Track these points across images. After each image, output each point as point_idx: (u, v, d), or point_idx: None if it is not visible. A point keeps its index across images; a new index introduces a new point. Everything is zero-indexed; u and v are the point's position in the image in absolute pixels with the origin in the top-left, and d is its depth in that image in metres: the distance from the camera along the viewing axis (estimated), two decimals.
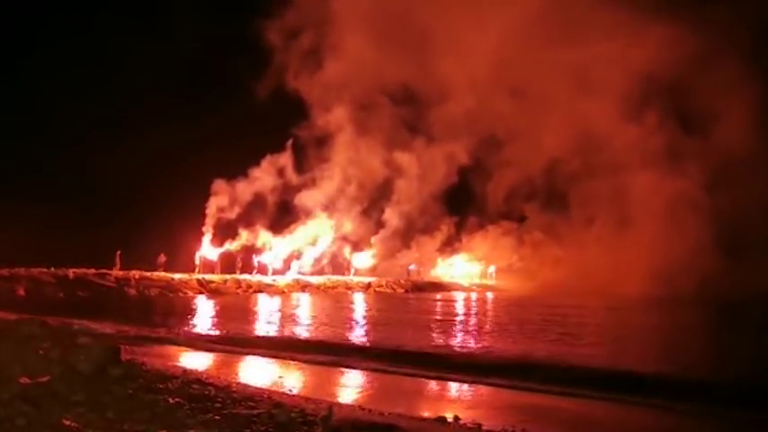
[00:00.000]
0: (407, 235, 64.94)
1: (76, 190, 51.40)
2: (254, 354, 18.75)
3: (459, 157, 64.92)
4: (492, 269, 68.78)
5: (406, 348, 19.31)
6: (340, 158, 61.50)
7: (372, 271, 61.53)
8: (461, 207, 68.11)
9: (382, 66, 61.79)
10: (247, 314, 32.15)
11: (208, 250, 51.24)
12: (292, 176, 59.60)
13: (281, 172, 58.93)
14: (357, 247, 61.88)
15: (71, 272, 38.80)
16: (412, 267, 63.73)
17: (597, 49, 64.35)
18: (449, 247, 68.23)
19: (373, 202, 63.29)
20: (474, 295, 56.56)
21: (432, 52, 62.47)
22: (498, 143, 66.06)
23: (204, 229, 53.06)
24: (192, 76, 59.52)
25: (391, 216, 63.43)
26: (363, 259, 60.66)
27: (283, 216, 59.26)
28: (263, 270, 52.04)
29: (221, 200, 54.96)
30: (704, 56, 61.96)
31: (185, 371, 14.11)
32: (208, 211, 54.10)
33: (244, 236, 54.80)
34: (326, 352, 18.60)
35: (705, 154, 64.35)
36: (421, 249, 66.07)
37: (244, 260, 50.93)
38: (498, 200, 67.59)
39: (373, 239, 62.69)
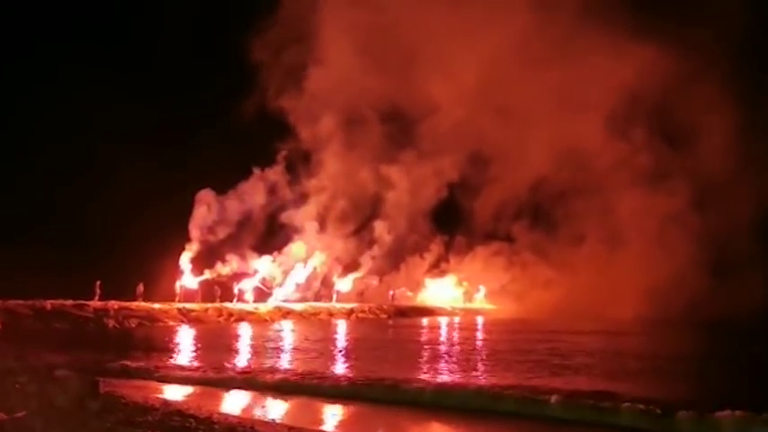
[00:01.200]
0: (397, 256, 65.51)
1: (53, 219, 51.26)
2: (236, 385, 18.65)
3: (446, 175, 65.89)
4: (481, 292, 68.69)
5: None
6: (327, 176, 62.06)
7: (360, 295, 61.64)
8: (449, 226, 68.98)
9: (368, 83, 62.61)
10: (228, 344, 31.95)
11: (188, 279, 50.96)
12: (282, 192, 60.38)
13: (267, 189, 59.41)
14: (346, 268, 62.08)
15: (48, 303, 38.35)
16: (397, 291, 63.66)
17: (583, 67, 65.39)
18: (436, 268, 68.46)
19: (361, 221, 63.90)
20: (459, 320, 56.58)
21: (418, 70, 63.48)
22: (485, 162, 66.92)
23: (185, 254, 52.97)
24: (175, 96, 59.97)
25: (380, 235, 64.01)
26: (347, 284, 60.39)
27: (269, 236, 59.60)
28: (243, 298, 51.82)
29: (204, 220, 54.97)
30: (687, 75, 63.31)
31: (165, 403, 14.08)
32: (191, 234, 54.13)
33: (225, 265, 54.56)
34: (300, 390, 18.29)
35: (691, 172, 65.50)
36: (409, 270, 66.29)
37: (223, 288, 50.68)
38: (486, 220, 68.24)
39: (362, 262, 63.00)
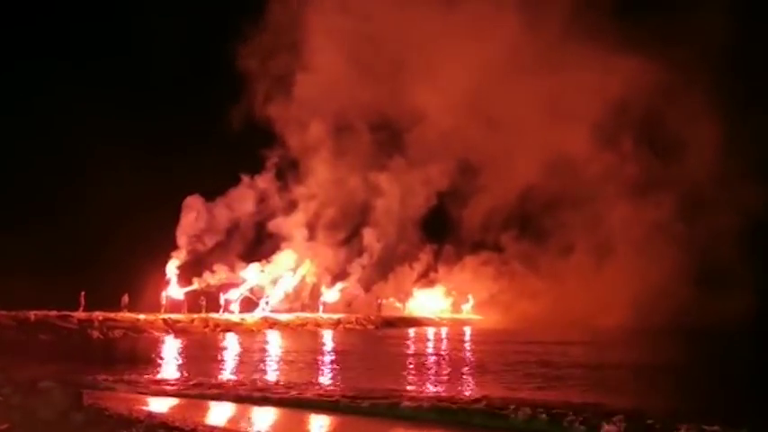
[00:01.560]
0: (386, 265, 65.76)
1: (36, 228, 51.03)
2: (221, 397, 18.65)
3: (435, 184, 66.46)
4: (469, 303, 68.84)
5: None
6: (315, 183, 62.34)
7: (348, 306, 61.67)
8: (439, 235, 69.39)
9: (356, 91, 63.14)
10: (213, 355, 31.91)
11: (174, 289, 50.83)
12: (271, 200, 60.69)
13: (256, 197, 59.78)
14: (335, 278, 62.27)
15: (32, 314, 38.18)
16: (385, 301, 63.76)
17: (570, 78, 66.05)
18: (425, 278, 68.68)
19: (350, 230, 64.21)
20: (447, 330, 56.70)
21: (406, 78, 63.94)
22: (474, 171, 67.43)
23: (172, 262, 52.92)
24: (161, 104, 60.17)
25: (369, 243, 64.32)
26: (334, 294, 60.37)
27: (257, 245, 59.83)
28: (230, 308, 51.76)
29: (192, 227, 54.96)
30: (673, 87, 64.19)
31: (150, 415, 14.08)
32: (178, 241, 54.15)
33: (213, 274, 54.48)
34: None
35: (677, 183, 66.23)
36: (398, 280, 66.46)
37: (209, 299, 50.59)
38: (475, 229, 68.58)
39: (351, 271, 63.17)
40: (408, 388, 20.40)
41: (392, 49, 64.04)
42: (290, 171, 62.16)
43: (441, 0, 64.80)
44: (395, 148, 65.21)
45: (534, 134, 68.52)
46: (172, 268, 52.57)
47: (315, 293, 60.05)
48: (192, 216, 55.30)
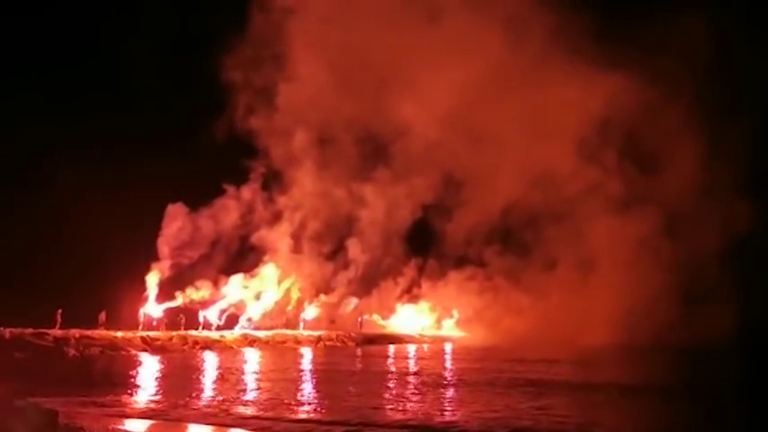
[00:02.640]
0: (370, 280, 66.22)
1: (10, 243, 51.00)
2: (196, 419, 18.89)
3: (419, 197, 67.08)
4: (452, 319, 69.17)
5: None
6: (299, 195, 62.93)
7: (332, 323, 62.01)
8: (423, 249, 69.73)
9: (340, 103, 63.82)
10: (191, 374, 32.05)
11: (152, 306, 50.89)
12: (254, 211, 61.07)
13: (239, 208, 60.07)
14: (318, 292, 62.62)
15: (7, 332, 38.26)
16: (366, 318, 64.06)
17: (554, 94, 66.77)
18: (409, 293, 69.06)
19: (335, 243, 64.85)
20: (428, 347, 57.09)
21: (389, 91, 64.58)
22: (458, 186, 68.07)
23: (153, 274, 53.11)
24: (142, 116, 60.87)
25: (354, 257, 64.96)
26: (313, 311, 60.54)
27: (240, 257, 60.16)
28: (208, 325, 51.91)
29: (175, 237, 55.23)
30: (655, 103, 65.24)
31: None
32: (160, 252, 54.33)
33: (196, 289, 54.62)
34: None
35: (662, 199, 66.95)
36: (382, 296, 66.86)
37: (188, 315, 50.73)
38: (459, 244, 68.94)
39: (334, 286, 63.72)
40: (379, 411, 20.63)
41: (376, 62, 64.70)
42: (273, 183, 62.87)
43: (424, 16, 65.51)
44: (379, 161, 66.10)
45: (518, 149, 69.08)
46: (153, 280, 52.65)
47: (299, 308, 60.27)
48: (175, 225, 55.51)
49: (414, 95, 65.07)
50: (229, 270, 58.05)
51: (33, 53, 60.30)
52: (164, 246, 54.61)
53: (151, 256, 53.87)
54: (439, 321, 69.41)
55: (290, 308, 60.04)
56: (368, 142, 64.97)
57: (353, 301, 64.68)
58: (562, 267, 68.62)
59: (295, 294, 60.76)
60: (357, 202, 65.61)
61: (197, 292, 54.42)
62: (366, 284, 66.03)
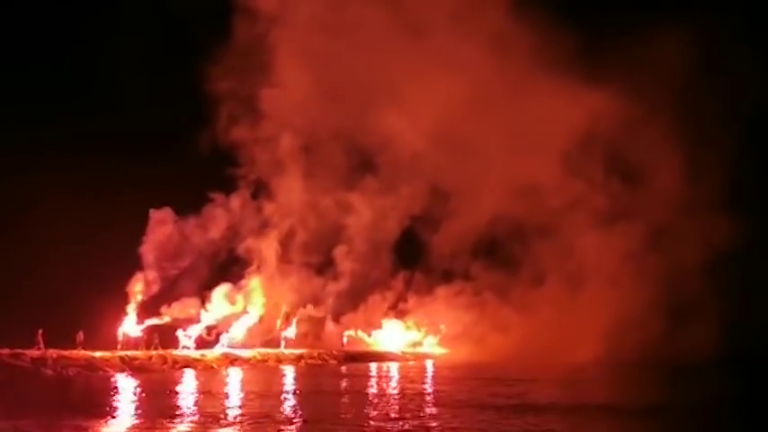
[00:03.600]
0: (357, 295, 66.56)
1: None
2: None
3: (406, 209, 67.48)
4: (436, 336, 69.37)
5: None
6: (285, 205, 63.32)
7: (317, 339, 62.19)
8: (409, 262, 70.15)
9: (326, 113, 64.59)
10: (168, 396, 31.92)
11: (131, 325, 50.70)
12: (240, 221, 61.33)
13: (224, 218, 60.32)
14: (309, 302, 62.89)
15: None
16: (351, 335, 64.19)
17: (539, 108, 67.51)
18: (394, 309, 69.26)
19: (321, 256, 65.17)
20: (412, 365, 57.27)
21: (375, 104, 64.96)
22: (444, 200, 68.57)
23: (136, 283, 53.19)
24: (126, 128, 61.01)
25: (341, 269, 65.32)
26: (293, 330, 60.42)
27: (224, 269, 60.39)
28: (189, 344, 51.84)
29: (161, 243, 55.18)
30: (638, 118, 66.18)
31: None
32: (144, 259, 54.46)
33: (180, 306, 54.55)
34: None
35: (646, 214, 67.80)
36: (368, 311, 67.21)
37: (168, 334, 50.68)
38: (445, 259, 69.29)
39: (321, 301, 63.87)
40: None
41: (362, 73, 65.29)
42: (260, 192, 63.33)
43: (410, 30, 66.07)
44: (366, 171, 66.91)
45: (503, 163, 69.67)
46: (134, 297, 52.56)
47: (287, 323, 60.44)
48: (162, 231, 55.70)
49: (399, 107, 65.67)
50: (215, 281, 58.39)
51: (13, 61, 60.48)
52: (148, 253, 54.78)
53: (132, 272, 53.80)
54: (425, 337, 69.51)
55: (278, 323, 59.91)
56: (354, 153, 65.85)
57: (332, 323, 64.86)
58: (550, 282, 69.18)
59: (283, 309, 60.72)
60: (344, 212, 66.31)
61: (180, 308, 54.32)
62: (353, 298, 66.49)
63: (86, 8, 62.42)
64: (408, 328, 69.10)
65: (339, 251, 65.63)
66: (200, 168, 60.23)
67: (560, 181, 68.91)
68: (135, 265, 54.19)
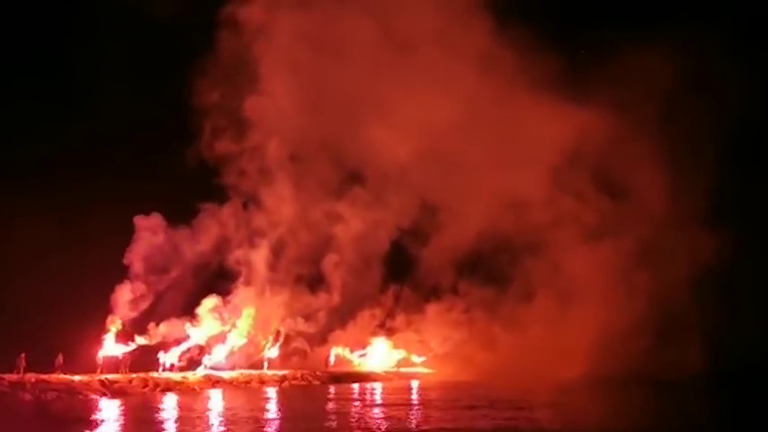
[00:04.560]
0: (346, 311, 66.48)
1: None
2: None
3: (392, 225, 67.89)
4: (423, 356, 69.31)
5: None
6: (274, 218, 63.42)
7: (304, 358, 62.54)
8: (398, 276, 70.12)
9: (313, 126, 64.94)
10: (148, 421, 32.08)
11: (111, 347, 50.77)
12: (227, 234, 61.43)
13: (212, 231, 60.45)
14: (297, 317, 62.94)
15: None
16: (339, 350, 64.54)
17: (528, 124, 68.22)
18: (382, 327, 69.16)
19: (310, 267, 65.10)
20: (397, 384, 57.46)
21: (362, 119, 65.42)
22: (432, 214, 69.00)
23: (122, 290, 53.38)
24: (112, 143, 61.27)
25: (330, 284, 65.44)
26: (274, 352, 60.47)
27: (210, 283, 60.17)
28: (170, 366, 51.90)
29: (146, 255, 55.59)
30: (626, 135, 67.05)
31: None
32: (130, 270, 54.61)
33: (167, 326, 54.72)
34: None
35: (633, 229, 68.52)
36: (357, 326, 67.21)
37: (149, 355, 50.78)
38: (434, 276, 69.56)
39: (309, 318, 63.96)
40: None
41: (348, 87, 65.73)
42: (247, 203, 63.42)
43: (397, 44, 66.56)
44: (354, 185, 67.21)
45: (491, 179, 70.05)
46: (124, 295, 52.91)
47: (276, 340, 60.69)
48: (150, 239, 56.00)
49: (386, 121, 65.83)
50: (203, 294, 58.31)
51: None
52: (135, 262, 55.08)
53: (114, 290, 53.86)
54: (415, 355, 69.46)
55: (268, 343, 60.13)
56: (341, 165, 66.22)
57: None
58: (538, 299, 69.36)
59: (273, 326, 60.97)
60: (332, 225, 66.51)
61: (168, 329, 54.51)
62: (342, 315, 66.40)
63: (69, 22, 62.98)
64: (396, 347, 69.22)
65: (328, 262, 65.75)
66: (186, 180, 60.52)
67: (548, 196, 69.56)
68: (119, 281, 54.24)
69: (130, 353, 50.71)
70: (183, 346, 54.58)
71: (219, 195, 61.67)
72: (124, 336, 52.01)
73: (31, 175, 56.40)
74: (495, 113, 68.17)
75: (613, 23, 64.78)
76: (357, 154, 65.73)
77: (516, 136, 68.72)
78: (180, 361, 53.28)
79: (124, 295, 53.50)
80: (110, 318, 52.35)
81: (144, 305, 54.67)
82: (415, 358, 69.19)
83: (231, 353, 57.73)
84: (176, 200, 59.66)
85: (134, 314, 53.74)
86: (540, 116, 67.31)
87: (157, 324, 54.14)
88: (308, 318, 63.78)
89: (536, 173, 68.88)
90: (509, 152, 68.95)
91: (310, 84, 64.95)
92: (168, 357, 52.38)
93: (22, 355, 42.67)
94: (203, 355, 55.66)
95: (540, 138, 68.60)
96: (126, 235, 55.84)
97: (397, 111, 66.48)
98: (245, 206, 62.95)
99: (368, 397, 47.15)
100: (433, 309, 69.70)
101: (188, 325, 55.79)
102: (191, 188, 61.04)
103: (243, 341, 58.62)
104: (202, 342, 56.10)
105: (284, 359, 61.08)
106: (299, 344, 62.96)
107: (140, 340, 52.75)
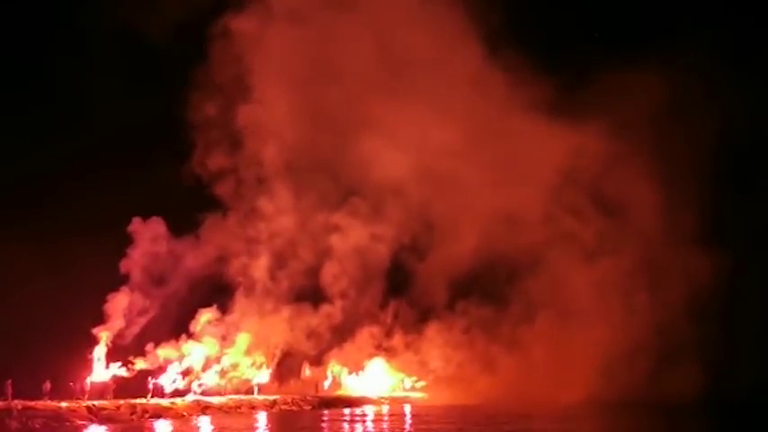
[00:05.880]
0: (345, 330, 67.09)
1: None
2: None
3: (387, 243, 68.56)
4: (420, 380, 69.77)
5: None
6: (270, 231, 64.20)
7: (298, 379, 63.13)
8: (396, 293, 70.76)
9: (311, 142, 65.83)
10: None
11: (99, 374, 51.03)
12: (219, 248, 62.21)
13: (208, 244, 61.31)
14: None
15: None
16: (333, 370, 64.74)
17: (525, 143, 68.98)
18: (380, 348, 69.59)
19: (303, 289, 65.63)
20: (391, 410, 57.60)
21: (357, 135, 66.31)
22: (430, 233, 69.75)
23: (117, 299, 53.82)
24: (101, 160, 61.70)
25: (331, 300, 66.02)
26: (265, 376, 60.78)
27: (207, 295, 60.78)
28: (159, 392, 52.05)
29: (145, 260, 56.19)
30: (623, 154, 67.67)
31: None
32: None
33: (159, 350, 55.08)
34: None
35: (631, 249, 69.09)
36: (356, 345, 67.73)
37: (137, 382, 51.06)
38: (432, 294, 70.17)
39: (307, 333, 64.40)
40: None
41: (345, 105, 66.52)
42: (245, 216, 64.13)
43: (394, 64, 67.49)
44: (352, 196, 68.01)
45: (489, 199, 70.62)
46: (119, 303, 53.31)
47: (271, 362, 61.04)
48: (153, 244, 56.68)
49: (384, 139, 66.86)
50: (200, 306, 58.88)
51: None
52: (134, 267, 55.75)
53: (99, 319, 54.07)
54: (415, 378, 69.97)
55: (263, 365, 60.47)
56: (337, 182, 67.21)
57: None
58: (538, 319, 69.73)
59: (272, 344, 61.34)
60: (331, 237, 67.22)
61: (162, 352, 54.90)
62: (341, 333, 66.99)
63: (62, 37, 63.74)
64: (395, 369, 69.48)
65: (326, 273, 66.30)
66: (182, 194, 61.42)
67: (545, 216, 70.21)
68: (101, 310, 54.24)
69: (117, 379, 51.04)
70: (178, 368, 54.94)
71: (216, 207, 62.75)
72: (114, 352, 52.37)
73: (16, 198, 56.87)
74: (492, 133, 69.07)
75: (607, 45, 66.19)
76: (353, 170, 66.56)
77: (513, 155, 69.57)
78: (173, 383, 53.70)
79: (120, 303, 54.08)
80: (99, 328, 52.69)
81: (140, 317, 55.40)
82: (413, 383, 69.48)
83: (225, 375, 58.15)
84: (175, 212, 60.32)
85: (127, 326, 54.20)
86: (537, 136, 68.14)
87: (156, 345, 54.75)
88: (309, 335, 64.33)
89: (534, 192, 69.62)
90: (506, 171, 69.71)
91: (307, 99, 65.89)
92: (162, 381, 52.74)
93: (9, 381, 42.99)
94: (193, 380, 55.95)
95: (537, 157, 69.48)
96: (116, 255, 56.54)
97: (393, 128, 67.35)
98: (243, 217, 63.87)
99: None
100: (431, 328, 70.10)
101: (184, 345, 56.32)
102: (188, 200, 62.01)
103: (239, 361, 59.02)
104: (198, 365, 56.44)
105: (279, 380, 61.45)
106: (293, 363, 63.27)
107: (140, 364, 53.15)
